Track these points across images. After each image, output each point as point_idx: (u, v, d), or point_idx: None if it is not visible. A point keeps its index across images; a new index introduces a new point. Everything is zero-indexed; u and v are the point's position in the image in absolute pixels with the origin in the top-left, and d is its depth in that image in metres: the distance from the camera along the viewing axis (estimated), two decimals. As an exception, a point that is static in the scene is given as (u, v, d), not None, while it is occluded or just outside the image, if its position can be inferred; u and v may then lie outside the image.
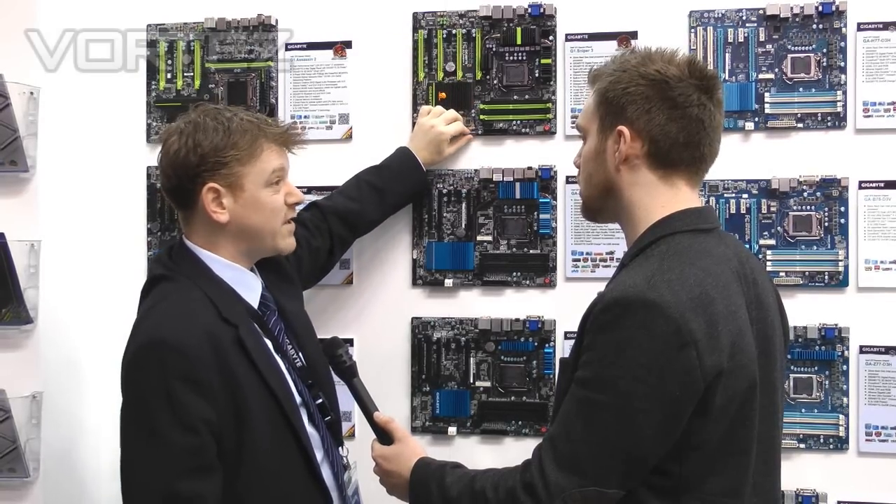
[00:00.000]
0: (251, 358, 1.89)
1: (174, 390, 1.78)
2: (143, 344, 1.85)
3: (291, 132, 2.08)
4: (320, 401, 2.07)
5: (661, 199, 1.71)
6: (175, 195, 2.00)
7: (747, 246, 2.51)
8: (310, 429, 2.02)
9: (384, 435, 2.02)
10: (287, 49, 2.76)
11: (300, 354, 2.10)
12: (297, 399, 2.00)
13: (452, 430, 2.66)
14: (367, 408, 2.07)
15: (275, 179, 2.01)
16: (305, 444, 1.95)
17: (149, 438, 1.80)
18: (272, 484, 1.90)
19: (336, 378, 2.19)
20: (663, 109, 1.68)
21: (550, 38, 2.64)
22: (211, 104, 2.08)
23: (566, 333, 2.62)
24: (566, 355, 2.50)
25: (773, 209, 2.54)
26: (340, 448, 2.12)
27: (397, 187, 2.55)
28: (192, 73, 2.79)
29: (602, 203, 1.79)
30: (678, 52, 1.76)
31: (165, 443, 1.78)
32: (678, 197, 1.72)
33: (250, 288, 2.03)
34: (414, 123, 2.68)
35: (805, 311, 2.52)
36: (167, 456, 1.79)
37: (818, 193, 2.53)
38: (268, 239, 2.03)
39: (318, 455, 2.03)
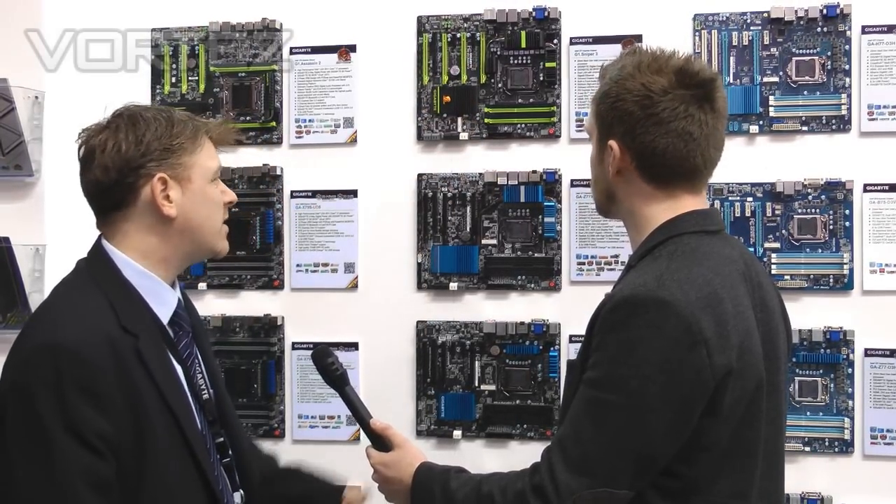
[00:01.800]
0: (150, 371, 1.72)
1: (69, 401, 1.62)
2: (37, 346, 1.67)
3: (228, 127, 1.97)
4: (220, 440, 1.90)
5: (661, 206, 1.70)
6: (109, 194, 1.81)
7: (752, 249, 2.51)
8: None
9: (381, 442, 1.98)
10: (291, 53, 2.77)
11: (209, 388, 1.91)
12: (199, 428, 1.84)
13: (457, 433, 2.66)
14: (362, 415, 2.01)
15: (215, 178, 1.89)
16: (204, 466, 1.78)
17: (42, 453, 1.62)
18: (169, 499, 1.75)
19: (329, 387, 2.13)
20: (647, 127, 1.66)
21: (555, 41, 2.64)
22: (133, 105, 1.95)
23: (571, 337, 2.62)
24: (573, 358, 2.51)
25: (777, 212, 2.54)
26: (235, 493, 1.92)
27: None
28: (196, 77, 2.79)
29: (607, 205, 1.80)
30: (673, 57, 1.72)
31: (62, 458, 1.61)
32: (679, 203, 1.71)
33: (163, 301, 1.83)
34: (418, 128, 2.68)
35: (810, 314, 2.52)
36: (62, 472, 1.61)
37: (823, 196, 2.53)
38: (210, 237, 1.88)
39: None
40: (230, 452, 1.91)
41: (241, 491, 1.93)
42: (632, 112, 1.67)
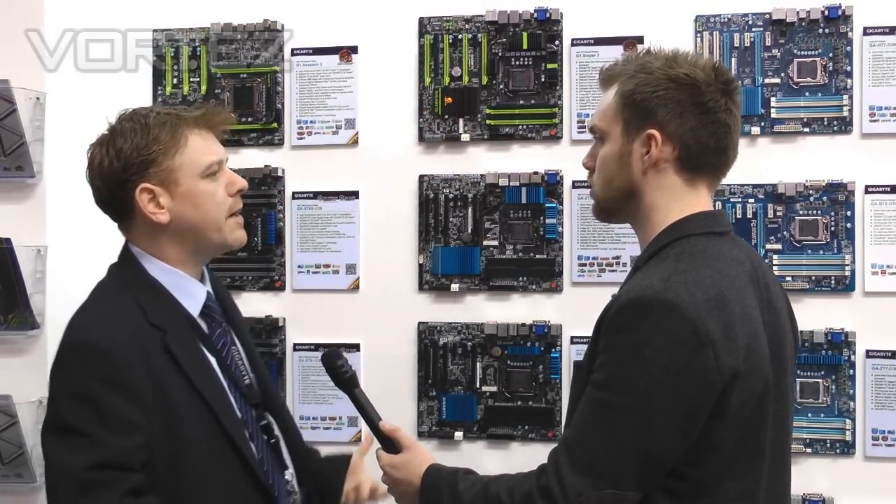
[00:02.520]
0: (179, 363, 1.79)
1: (100, 394, 1.70)
2: (68, 346, 1.77)
3: (211, 112, 1.95)
4: (264, 422, 1.96)
5: (682, 202, 1.70)
6: (110, 207, 1.89)
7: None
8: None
9: (391, 444, 1.99)
10: (293, 54, 2.76)
11: (249, 373, 1.98)
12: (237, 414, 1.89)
13: (459, 434, 2.66)
14: (371, 417, 2.02)
15: (212, 171, 1.89)
16: (244, 451, 1.84)
17: (70, 434, 1.71)
18: (211, 495, 1.81)
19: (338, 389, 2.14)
20: (695, 114, 1.66)
21: (556, 42, 2.64)
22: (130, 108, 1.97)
23: (572, 338, 2.62)
24: (574, 359, 2.50)
25: (779, 214, 2.54)
26: (286, 472, 1.99)
27: None
28: (198, 79, 2.79)
29: (620, 205, 1.76)
30: (699, 56, 1.74)
31: (90, 439, 1.69)
32: (698, 200, 1.71)
33: (191, 295, 1.90)
34: (420, 129, 2.68)
35: (811, 315, 2.52)
36: (88, 451, 1.69)
37: (824, 198, 2.53)
38: (212, 234, 1.89)
39: None
40: (276, 433, 1.98)
41: (291, 468, 2.00)
42: (679, 100, 1.66)
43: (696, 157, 1.68)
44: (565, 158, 2.64)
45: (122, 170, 1.83)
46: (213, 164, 1.88)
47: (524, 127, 2.65)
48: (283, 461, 1.98)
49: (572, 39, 2.64)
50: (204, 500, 1.80)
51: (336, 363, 2.04)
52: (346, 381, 2.05)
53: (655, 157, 1.68)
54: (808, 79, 2.55)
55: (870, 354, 2.52)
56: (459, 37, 2.68)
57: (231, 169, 1.95)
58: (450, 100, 2.68)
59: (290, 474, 1.99)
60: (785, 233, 2.55)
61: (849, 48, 2.53)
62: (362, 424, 2.65)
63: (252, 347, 2.06)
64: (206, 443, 1.80)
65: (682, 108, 1.66)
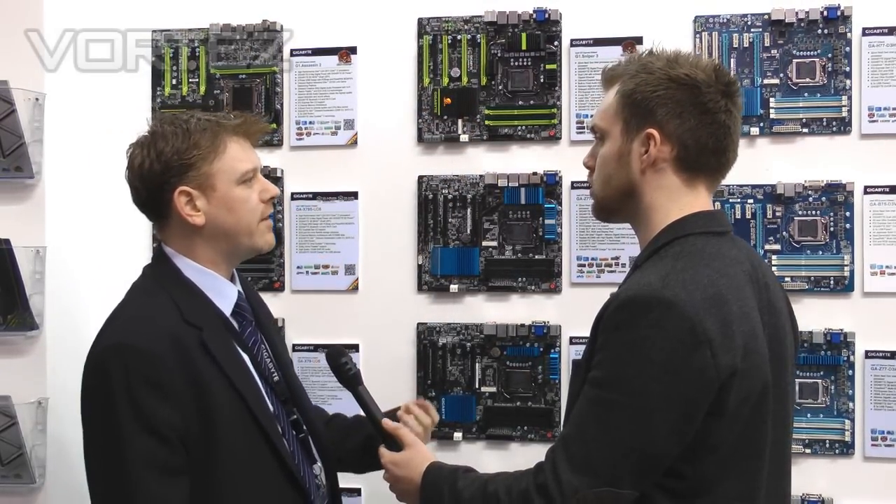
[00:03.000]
0: (216, 360, 1.85)
1: (137, 394, 1.75)
2: (105, 347, 1.82)
3: (250, 121, 2.02)
4: (294, 417, 2.02)
5: (681, 202, 1.70)
6: (148, 207, 1.96)
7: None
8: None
9: (393, 442, 2.00)
10: (292, 55, 2.77)
11: (278, 371, 2.04)
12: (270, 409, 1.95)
13: (458, 435, 2.66)
14: (374, 415, 2.05)
15: (247, 178, 1.95)
16: (278, 446, 1.90)
17: (113, 443, 1.76)
18: (246, 488, 1.86)
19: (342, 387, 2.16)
20: (694, 114, 1.67)
21: (555, 43, 2.64)
22: (176, 110, 2.02)
23: (572, 338, 2.62)
24: (574, 359, 2.50)
25: (778, 214, 2.55)
26: (314, 466, 2.04)
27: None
28: (197, 79, 2.79)
29: (619, 205, 1.77)
30: (700, 57, 1.74)
31: (131, 447, 1.75)
32: (697, 201, 1.71)
33: (223, 295, 1.96)
34: (419, 129, 2.68)
35: (810, 315, 2.52)
36: (132, 460, 1.75)
37: (823, 198, 2.53)
38: (245, 238, 1.96)
39: None
40: (304, 428, 2.03)
41: (319, 462, 2.04)
42: (679, 99, 1.67)
43: (694, 157, 1.69)
44: (564, 159, 2.64)
45: (162, 172, 1.88)
46: (248, 171, 1.95)
47: (523, 128, 2.65)
48: (312, 455, 2.03)
49: (571, 40, 2.64)
50: (240, 492, 1.85)
51: (340, 361, 2.09)
52: (349, 378, 2.08)
53: (654, 156, 1.68)
54: (808, 79, 2.55)
55: (869, 355, 2.52)
56: (458, 37, 2.68)
57: (254, 165, 2.00)
58: (449, 100, 2.68)
59: (318, 468, 2.04)
60: (784, 233, 2.55)
61: (848, 49, 2.53)
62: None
63: (278, 345, 2.12)
64: (243, 437, 1.85)
65: (682, 107, 1.67)
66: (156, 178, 1.89)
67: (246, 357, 1.94)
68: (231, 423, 1.83)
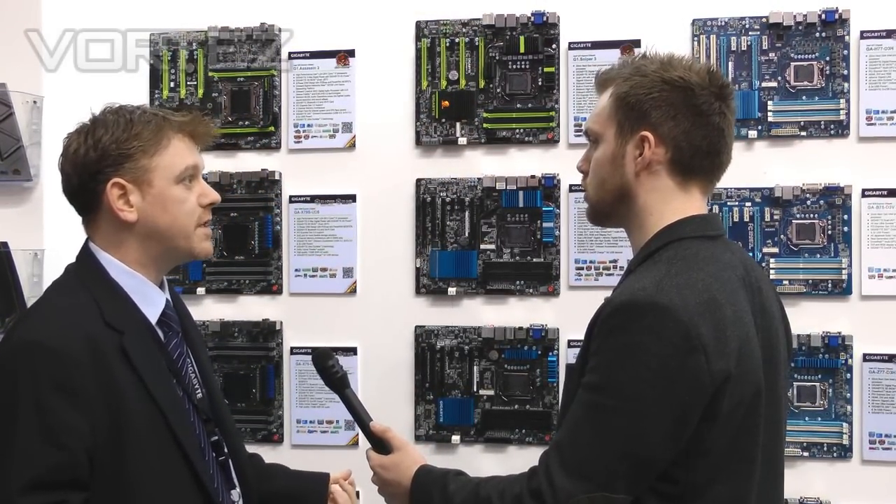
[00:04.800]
0: (135, 367, 1.72)
1: (44, 399, 1.63)
2: (15, 345, 1.70)
3: (198, 120, 1.90)
4: (215, 438, 1.90)
5: (675, 205, 1.70)
6: (77, 198, 1.83)
7: (750, 254, 2.51)
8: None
9: (381, 444, 1.98)
10: (290, 58, 2.77)
11: (202, 388, 1.92)
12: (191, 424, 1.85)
13: (456, 438, 2.66)
14: (362, 418, 2.02)
15: (186, 176, 1.84)
16: (196, 464, 1.78)
17: (7, 447, 1.63)
18: (158, 500, 1.75)
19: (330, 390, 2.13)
20: (688, 116, 1.67)
21: (553, 46, 2.64)
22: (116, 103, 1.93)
23: (570, 342, 2.62)
24: (572, 362, 2.50)
25: (776, 217, 2.54)
26: (232, 492, 1.92)
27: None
28: (195, 82, 2.79)
29: (613, 208, 1.76)
30: (695, 60, 1.74)
31: (27, 454, 1.62)
32: (691, 204, 1.71)
33: (150, 300, 1.83)
34: (417, 132, 2.69)
35: (808, 319, 2.52)
36: (26, 468, 1.62)
37: (821, 201, 2.53)
38: (181, 241, 1.84)
39: None
40: (225, 451, 1.91)
41: (238, 489, 1.93)
42: (673, 102, 1.67)
43: (688, 159, 1.68)
44: (562, 162, 2.64)
45: (97, 160, 1.77)
46: (188, 168, 1.84)
47: (521, 130, 2.65)
48: (231, 480, 1.92)
49: (569, 43, 2.65)
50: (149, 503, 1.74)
51: (327, 363, 2.04)
52: (336, 381, 2.04)
53: (648, 158, 1.68)
54: (805, 82, 2.55)
55: (867, 358, 2.52)
56: (456, 40, 2.68)
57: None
58: (447, 103, 2.68)
59: (237, 494, 1.93)
60: (782, 236, 2.55)
61: (846, 52, 2.53)
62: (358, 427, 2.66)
63: (206, 363, 2.00)
64: (157, 451, 1.74)
65: (676, 110, 1.67)
66: (90, 166, 1.77)
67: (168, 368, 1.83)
68: (145, 436, 1.72)
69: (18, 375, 1.66)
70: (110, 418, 1.68)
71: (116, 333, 1.74)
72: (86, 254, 1.84)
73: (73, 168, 1.80)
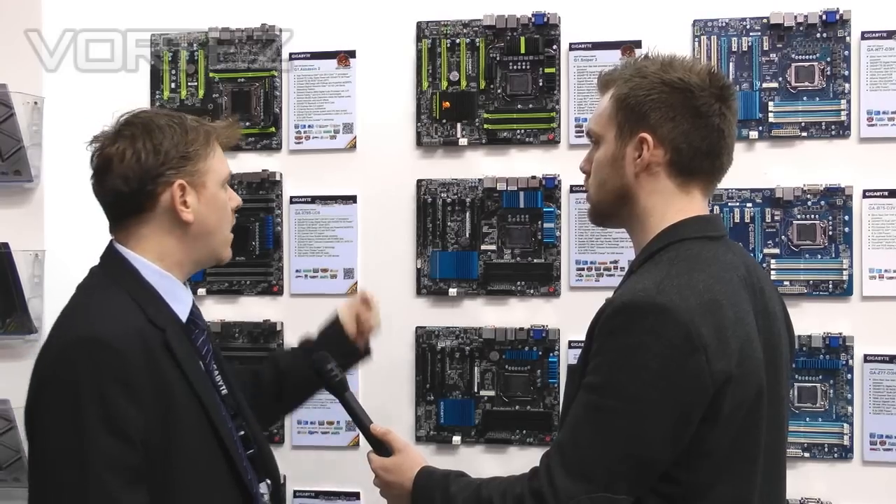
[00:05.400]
0: (179, 363, 1.79)
1: (108, 391, 1.67)
2: (73, 342, 1.72)
3: (236, 129, 2.00)
4: (242, 433, 1.96)
5: (676, 206, 1.70)
6: (130, 201, 1.86)
7: (751, 255, 2.50)
8: None
9: (382, 447, 1.98)
10: (291, 58, 2.76)
11: (226, 384, 1.98)
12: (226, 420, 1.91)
13: (457, 439, 2.66)
14: (362, 421, 2.02)
15: (227, 183, 1.95)
16: (234, 458, 1.85)
17: (76, 442, 1.67)
18: (200, 498, 1.81)
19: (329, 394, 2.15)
20: (687, 118, 1.67)
21: (554, 47, 2.64)
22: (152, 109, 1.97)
23: (570, 342, 2.62)
24: (572, 363, 2.50)
25: (777, 218, 2.54)
26: (261, 484, 1.98)
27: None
28: (196, 83, 2.79)
29: (614, 209, 1.77)
30: (696, 61, 1.74)
31: (95, 447, 1.66)
32: (692, 205, 1.71)
33: (180, 300, 1.89)
34: (417, 133, 2.68)
35: (809, 319, 2.52)
36: (94, 462, 1.66)
37: (822, 202, 2.53)
38: (219, 244, 1.95)
39: None
40: (252, 445, 1.98)
41: (268, 480, 1.99)
42: (672, 103, 1.67)
43: (688, 161, 1.69)
44: (563, 163, 2.64)
45: (160, 164, 1.83)
46: (229, 173, 1.95)
47: (522, 131, 2.65)
48: (259, 473, 1.97)
49: (570, 44, 2.64)
50: (191, 497, 1.79)
51: (325, 367, 2.05)
52: (335, 385, 2.05)
53: (647, 160, 1.68)
54: (806, 83, 2.55)
55: (868, 359, 2.51)
56: (457, 41, 2.68)
57: (230, 172, 1.98)
58: (447, 104, 2.68)
59: (265, 486, 1.98)
60: (783, 237, 2.55)
61: (847, 52, 2.53)
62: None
63: (221, 356, 2.05)
64: (201, 445, 1.80)
65: (675, 111, 1.67)
66: (151, 170, 1.83)
67: (200, 365, 1.89)
68: (189, 431, 1.78)
69: (79, 370, 1.69)
70: (160, 413, 1.74)
71: (159, 331, 1.79)
72: (114, 256, 1.88)
73: (131, 173, 1.83)
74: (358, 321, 2.29)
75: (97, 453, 1.67)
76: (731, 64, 2.57)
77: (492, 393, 2.66)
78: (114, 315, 1.77)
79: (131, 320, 1.77)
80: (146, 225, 1.87)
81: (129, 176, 1.84)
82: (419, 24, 2.70)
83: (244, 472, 1.87)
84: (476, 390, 2.66)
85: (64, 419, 1.70)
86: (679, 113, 1.67)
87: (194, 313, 1.94)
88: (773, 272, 2.52)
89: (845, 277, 2.52)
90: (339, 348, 2.24)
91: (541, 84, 2.65)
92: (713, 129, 1.68)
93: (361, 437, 2.63)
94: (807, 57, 2.55)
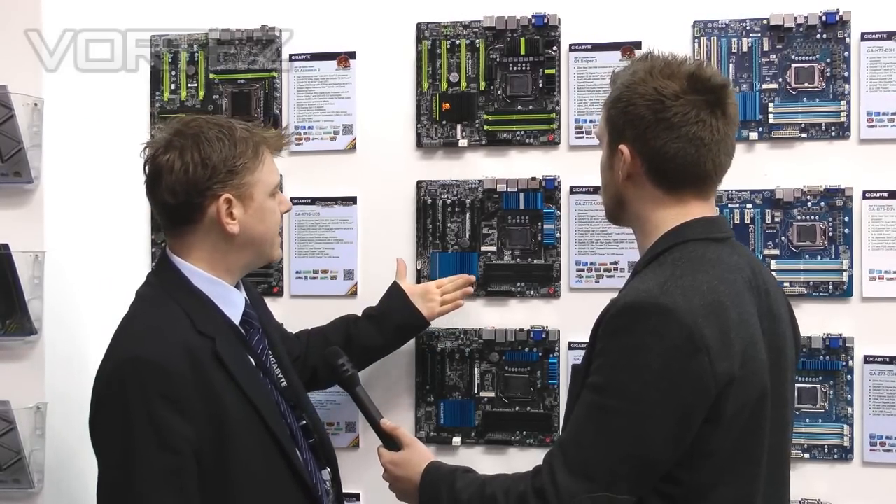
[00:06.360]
0: (230, 371, 1.85)
1: (154, 408, 1.75)
2: (122, 361, 1.81)
3: (283, 137, 2.08)
4: (304, 422, 2.04)
5: (670, 211, 1.71)
6: (178, 212, 1.93)
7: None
8: None
9: (391, 442, 2.02)
10: (291, 59, 2.76)
11: (285, 376, 2.07)
12: (284, 418, 1.97)
13: (457, 440, 2.66)
14: (373, 416, 2.07)
15: (276, 190, 2.01)
16: (291, 456, 1.91)
17: (129, 459, 1.76)
18: (259, 501, 1.86)
19: (340, 389, 2.19)
20: (658, 131, 1.67)
21: (554, 48, 2.64)
22: (205, 116, 2.03)
23: (570, 344, 2.62)
24: (573, 364, 2.51)
25: (777, 219, 2.54)
26: (324, 472, 2.07)
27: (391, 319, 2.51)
28: (196, 84, 2.79)
29: (616, 210, 1.81)
30: (685, 62, 1.73)
31: (146, 463, 1.75)
32: (687, 209, 1.71)
33: (232, 304, 1.98)
34: (417, 134, 2.68)
35: (809, 321, 2.51)
36: (146, 477, 1.75)
37: (822, 203, 2.53)
38: (268, 249, 2.01)
39: None
40: (313, 434, 2.05)
41: (328, 468, 2.07)
42: (643, 116, 1.68)
43: (665, 172, 1.70)
44: (563, 164, 2.64)
45: (207, 178, 1.89)
46: (278, 184, 2.00)
47: (522, 132, 2.65)
48: (321, 461, 2.05)
49: (570, 45, 2.64)
50: (251, 502, 1.85)
51: (337, 362, 2.10)
52: (346, 379, 2.10)
53: (627, 170, 1.70)
54: (806, 84, 2.55)
55: (868, 360, 2.51)
56: (457, 42, 2.68)
57: (280, 178, 2.03)
58: (447, 105, 2.67)
59: (327, 474, 2.05)
60: (783, 238, 2.55)
61: (847, 54, 2.53)
62: (360, 429, 2.66)
63: (281, 348, 2.13)
64: (256, 449, 1.86)
65: (646, 124, 1.68)
66: (199, 183, 1.89)
67: (253, 362, 1.96)
68: (244, 435, 1.84)
69: (128, 389, 1.77)
70: (212, 423, 1.80)
71: (209, 340, 1.85)
72: (167, 265, 1.96)
73: (179, 186, 1.89)
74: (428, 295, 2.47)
75: (147, 469, 1.74)
76: (731, 65, 2.57)
77: (492, 394, 2.66)
78: (159, 330, 1.83)
79: (178, 334, 1.83)
80: (195, 234, 1.93)
81: (177, 189, 1.90)
82: (419, 26, 2.70)
83: (303, 468, 1.93)
84: (476, 391, 2.66)
85: (114, 436, 1.78)
86: (650, 127, 1.68)
87: (247, 313, 2.00)
88: (773, 273, 2.52)
89: (845, 278, 2.52)
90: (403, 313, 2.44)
91: (541, 85, 2.64)
92: (689, 139, 1.67)
93: (361, 438, 2.65)
94: (807, 58, 2.55)
